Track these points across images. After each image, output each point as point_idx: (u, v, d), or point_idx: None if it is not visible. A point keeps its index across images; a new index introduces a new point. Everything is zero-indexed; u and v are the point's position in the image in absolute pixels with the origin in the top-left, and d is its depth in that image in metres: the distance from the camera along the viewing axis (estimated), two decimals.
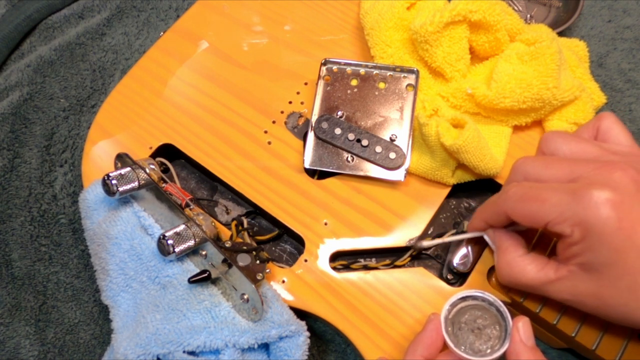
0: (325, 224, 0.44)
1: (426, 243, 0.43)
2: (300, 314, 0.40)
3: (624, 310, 0.32)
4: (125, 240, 0.41)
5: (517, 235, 0.37)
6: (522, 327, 0.34)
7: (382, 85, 0.48)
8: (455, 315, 0.36)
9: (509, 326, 0.34)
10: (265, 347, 0.39)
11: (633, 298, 0.31)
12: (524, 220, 0.34)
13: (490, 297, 0.36)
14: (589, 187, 0.31)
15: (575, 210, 0.31)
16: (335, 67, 0.48)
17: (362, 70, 0.48)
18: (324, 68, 0.48)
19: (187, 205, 0.43)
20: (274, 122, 0.49)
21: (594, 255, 0.31)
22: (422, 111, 0.47)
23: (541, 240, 0.39)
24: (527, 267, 0.35)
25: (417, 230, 0.44)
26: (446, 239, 0.42)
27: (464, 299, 0.36)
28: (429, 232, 0.46)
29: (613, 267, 0.31)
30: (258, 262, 0.40)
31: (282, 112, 0.49)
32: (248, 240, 0.44)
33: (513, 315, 0.35)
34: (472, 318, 0.36)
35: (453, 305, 0.36)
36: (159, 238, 0.39)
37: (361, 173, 0.45)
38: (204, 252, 0.40)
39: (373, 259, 0.45)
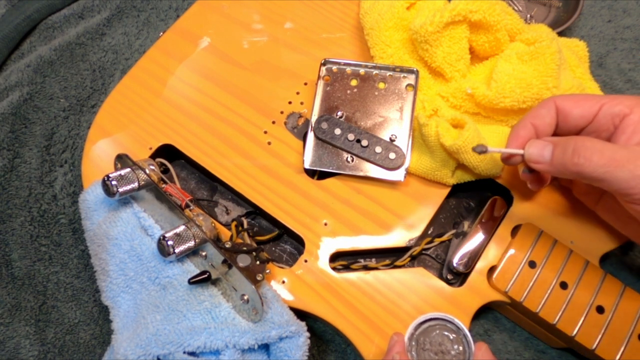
0: (325, 224, 0.44)
1: (492, 149, 0.38)
2: (300, 314, 0.40)
3: None
4: (125, 241, 0.41)
5: None
6: (482, 355, 0.35)
7: (381, 85, 0.48)
8: (421, 334, 0.37)
9: (471, 354, 0.35)
10: (265, 347, 0.39)
11: None
12: (575, 104, 0.36)
13: (459, 323, 0.36)
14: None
15: (627, 96, 0.35)
16: (335, 67, 0.48)
17: (361, 71, 0.48)
18: (323, 68, 0.48)
19: (187, 205, 0.43)
20: (273, 122, 0.49)
21: None
22: (422, 111, 0.47)
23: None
24: (609, 143, 0.34)
25: (417, 230, 0.44)
26: (495, 150, 0.38)
27: (431, 320, 0.37)
28: (429, 232, 0.46)
29: None
30: (258, 262, 0.40)
31: (281, 113, 0.49)
32: (248, 240, 0.44)
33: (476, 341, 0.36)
34: (438, 340, 0.36)
35: (418, 325, 0.37)
36: (159, 239, 0.39)
37: (361, 173, 0.45)
38: (204, 253, 0.40)
39: (373, 259, 0.45)
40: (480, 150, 0.38)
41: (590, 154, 0.33)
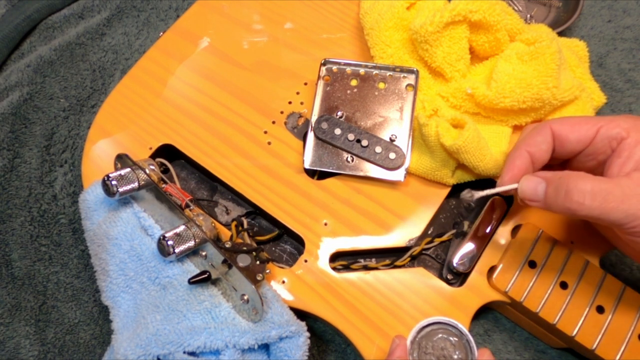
0: (325, 224, 0.44)
1: (479, 193, 0.39)
2: (300, 314, 0.40)
3: None
4: (125, 241, 0.41)
5: None
6: None
7: (381, 85, 0.48)
8: (423, 338, 0.36)
9: (474, 358, 0.35)
10: (265, 347, 0.39)
11: None
12: (571, 129, 0.35)
13: (462, 328, 0.36)
14: None
15: (622, 118, 0.35)
16: (335, 67, 0.48)
17: (361, 71, 0.48)
18: (323, 68, 0.48)
19: (187, 205, 0.43)
20: (273, 122, 0.49)
21: None
22: (422, 111, 0.47)
23: None
24: (605, 179, 0.34)
25: (417, 230, 0.44)
26: (484, 192, 0.39)
27: (434, 324, 0.37)
28: (429, 232, 0.46)
29: None
30: (258, 262, 0.40)
31: (281, 113, 0.49)
32: (248, 240, 0.44)
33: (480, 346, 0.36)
34: (440, 345, 0.36)
35: (421, 329, 0.37)
36: (159, 239, 0.39)
37: (361, 173, 0.45)
38: (204, 253, 0.40)
39: (373, 259, 0.45)
40: (469, 197, 0.39)
41: (583, 198, 0.33)
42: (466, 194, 0.39)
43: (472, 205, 0.46)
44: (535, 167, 0.38)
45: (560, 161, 0.40)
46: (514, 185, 0.37)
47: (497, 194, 0.39)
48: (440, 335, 0.36)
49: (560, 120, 0.37)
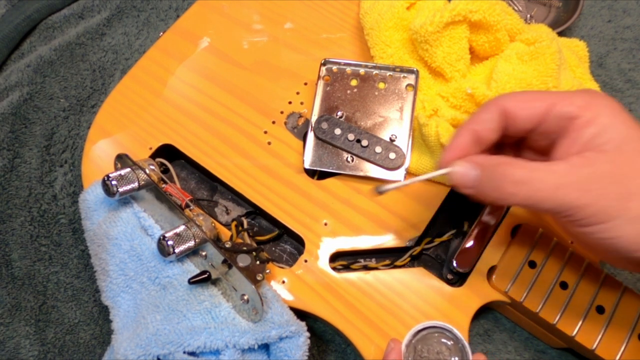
0: (325, 224, 0.44)
1: (388, 187, 0.36)
2: (300, 314, 0.40)
3: None
4: (125, 241, 0.41)
5: None
6: None
7: (381, 85, 0.48)
8: (418, 342, 0.36)
9: None
10: (265, 347, 0.39)
11: None
12: (523, 105, 0.32)
13: (457, 333, 0.36)
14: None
15: (580, 94, 0.31)
16: (335, 67, 0.48)
17: (361, 71, 0.48)
18: (323, 68, 0.48)
19: (187, 205, 0.43)
20: (273, 122, 0.49)
21: (611, 131, 0.30)
22: (422, 111, 0.47)
23: None
24: (540, 165, 0.31)
25: (417, 231, 0.44)
26: (407, 181, 0.37)
27: (430, 327, 0.37)
28: (429, 232, 0.46)
29: (630, 140, 0.30)
30: (258, 262, 0.40)
31: (281, 113, 0.49)
32: (248, 240, 0.44)
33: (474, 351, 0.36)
34: (436, 349, 0.36)
35: (416, 333, 0.37)
36: (159, 239, 0.39)
37: (361, 173, 0.45)
38: (204, 253, 0.40)
39: (373, 259, 0.45)
40: (380, 191, 0.36)
41: (514, 187, 0.31)
42: (378, 189, 0.36)
43: (472, 205, 0.46)
44: (482, 147, 0.34)
45: (514, 139, 0.36)
46: (443, 171, 0.34)
47: (426, 179, 0.35)
48: (436, 339, 0.36)
49: (511, 96, 0.33)
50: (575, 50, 0.51)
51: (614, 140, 0.30)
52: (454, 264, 0.42)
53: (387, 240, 0.43)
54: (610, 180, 0.30)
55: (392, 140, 0.45)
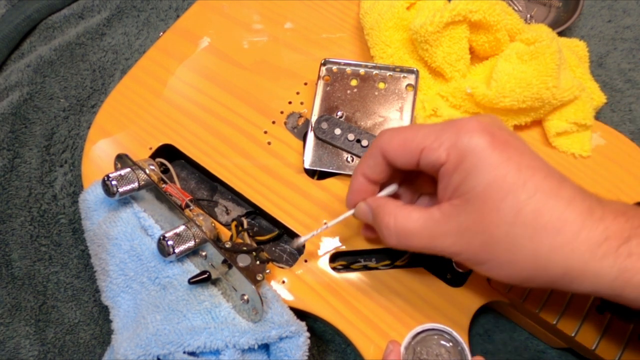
0: (325, 224, 0.44)
1: (302, 239, 0.40)
2: (301, 314, 0.40)
3: (510, 245, 0.29)
4: (125, 241, 0.41)
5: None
6: None
7: (381, 85, 0.48)
8: (418, 344, 0.36)
9: None
10: (265, 347, 0.39)
11: (518, 221, 0.29)
12: (399, 153, 0.32)
13: (456, 335, 0.36)
14: (460, 119, 0.31)
15: (448, 134, 0.30)
16: (335, 67, 0.48)
17: (361, 71, 0.48)
18: (323, 68, 0.48)
19: (187, 205, 0.43)
20: (273, 122, 0.49)
21: (476, 177, 0.29)
22: (422, 111, 0.47)
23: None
24: (413, 212, 0.33)
25: None
26: (320, 229, 0.40)
27: (429, 330, 0.37)
28: None
29: (494, 187, 0.29)
30: (258, 262, 0.40)
31: (281, 113, 0.49)
32: (248, 240, 0.44)
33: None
34: (435, 351, 0.36)
35: (416, 335, 0.37)
36: (159, 239, 0.39)
37: None
38: (204, 253, 0.40)
39: (373, 259, 0.45)
40: (297, 245, 0.40)
41: (389, 235, 0.33)
42: (294, 244, 0.40)
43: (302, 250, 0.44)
44: (379, 185, 0.36)
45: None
46: (349, 213, 0.38)
47: (337, 222, 0.39)
48: (435, 341, 0.36)
49: (388, 140, 0.33)
50: (575, 50, 0.51)
51: (478, 187, 0.29)
52: (454, 264, 0.42)
53: None
54: (476, 230, 0.30)
55: None
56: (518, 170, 0.29)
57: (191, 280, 0.38)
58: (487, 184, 0.29)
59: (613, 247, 0.28)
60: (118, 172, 0.41)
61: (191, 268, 0.41)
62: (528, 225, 0.29)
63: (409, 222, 0.32)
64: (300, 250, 0.42)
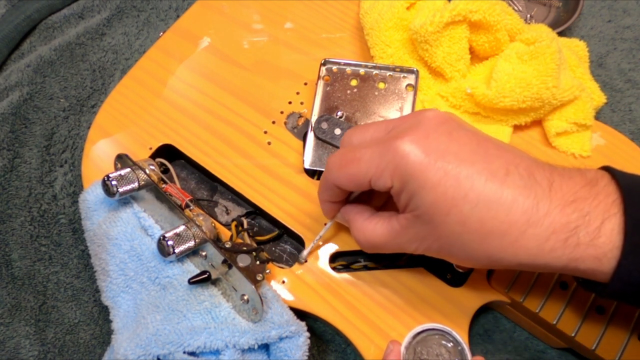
0: (325, 224, 0.44)
1: (305, 252, 0.42)
2: (300, 314, 0.40)
3: (463, 248, 0.32)
4: (125, 241, 0.41)
5: (361, 204, 0.38)
6: None
7: (381, 85, 0.48)
8: (418, 344, 0.36)
9: None
10: (265, 347, 0.39)
11: (466, 230, 0.31)
12: (349, 185, 0.34)
13: (457, 335, 0.36)
14: (395, 135, 0.32)
15: (387, 159, 0.32)
16: (334, 67, 0.48)
17: (361, 71, 0.48)
18: (323, 68, 0.48)
19: (187, 206, 0.43)
20: (273, 122, 0.49)
21: (420, 197, 0.31)
22: None
23: (387, 202, 0.39)
24: (377, 226, 0.35)
25: None
26: (317, 238, 0.42)
27: (430, 330, 0.37)
28: None
29: (437, 205, 0.31)
30: (258, 262, 0.40)
31: (281, 113, 0.49)
32: (248, 240, 0.44)
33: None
34: (435, 351, 0.36)
35: (416, 335, 0.37)
36: (159, 239, 0.39)
37: None
38: (204, 253, 0.40)
39: (373, 259, 0.45)
40: (304, 258, 0.42)
41: (360, 245, 0.37)
42: (302, 254, 0.42)
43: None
44: (347, 195, 0.38)
45: None
46: (330, 223, 0.41)
47: (324, 232, 0.42)
48: (435, 342, 0.36)
49: (337, 177, 0.35)
50: (575, 50, 0.51)
51: (423, 206, 0.31)
52: (454, 264, 0.42)
53: None
54: (431, 238, 0.33)
55: None
56: (457, 183, 0.30)
57: (191, 280, 0.38)
58: (430, 204, 0.31)
59: (560, 240, 0.30)
60: (118, 172, 0.41)
61: (191, 268, 0.41)
62: (475, 233, 0.31)
63: (375, 236, 0.35)
64: (305, 258, 0.43)
